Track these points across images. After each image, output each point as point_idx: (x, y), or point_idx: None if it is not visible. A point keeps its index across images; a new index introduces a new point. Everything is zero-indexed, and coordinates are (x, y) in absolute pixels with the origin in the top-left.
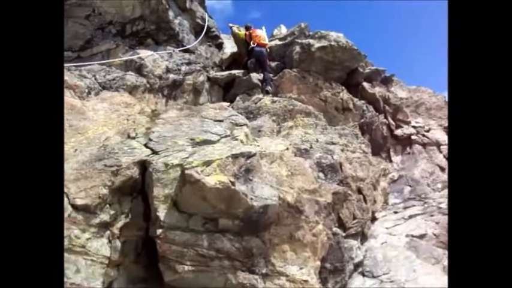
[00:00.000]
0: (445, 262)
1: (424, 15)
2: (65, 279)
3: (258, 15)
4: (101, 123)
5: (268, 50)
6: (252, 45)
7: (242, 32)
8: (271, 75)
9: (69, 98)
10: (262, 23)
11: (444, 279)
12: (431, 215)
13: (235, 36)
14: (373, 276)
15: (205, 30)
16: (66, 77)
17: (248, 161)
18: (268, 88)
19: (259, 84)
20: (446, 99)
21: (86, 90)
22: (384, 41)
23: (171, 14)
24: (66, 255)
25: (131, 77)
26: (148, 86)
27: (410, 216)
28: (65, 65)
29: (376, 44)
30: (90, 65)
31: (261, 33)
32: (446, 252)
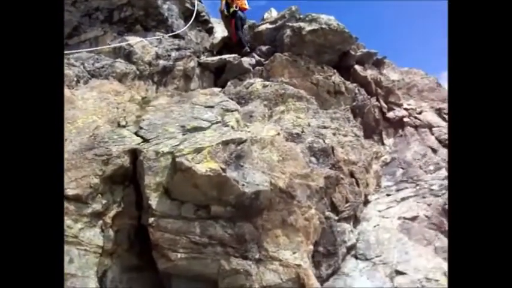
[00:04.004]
0: (437, 243)
1: None
2: None
3: (263, 2)
4: (91, 112)
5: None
6: (235, 9)
7: None
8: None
9: None
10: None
11: (436, 261)
12: (423, 197)
13: (225, 19)
14: (366, 259)
15: (194, 15)
16: None
17: (239, 147)
18: (246, 48)
19: (251, 69)
20: (438, 81)
21: (75, 79)
22: (376, 23)
23: None
24: None
25: (120, 65)
26: (138, 73)
27: (403, 199)
28: None
29: (368, 26)
30: (78, 52)
31: None
32: (438, 233)
